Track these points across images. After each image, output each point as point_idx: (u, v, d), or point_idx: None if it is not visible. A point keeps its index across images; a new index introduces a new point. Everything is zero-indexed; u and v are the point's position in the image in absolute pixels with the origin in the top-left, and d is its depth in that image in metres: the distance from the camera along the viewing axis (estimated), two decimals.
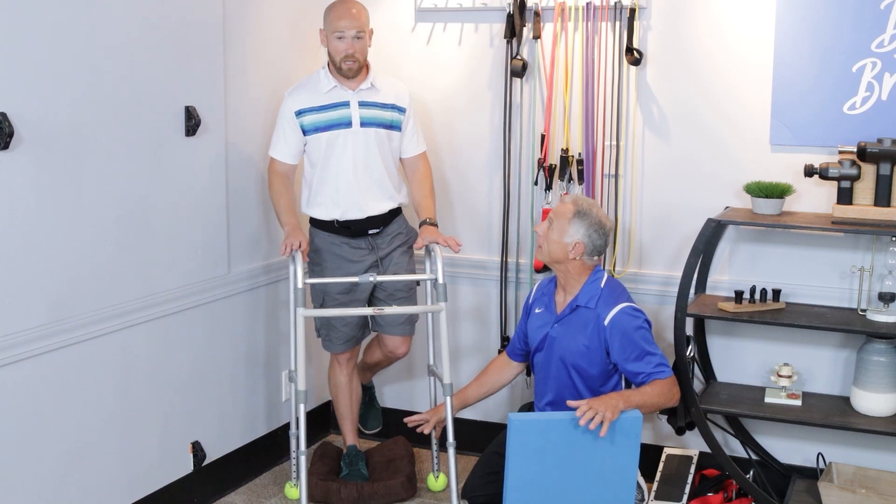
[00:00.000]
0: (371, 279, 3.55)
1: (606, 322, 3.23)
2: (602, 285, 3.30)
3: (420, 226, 3.76)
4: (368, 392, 4.24)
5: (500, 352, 4.08)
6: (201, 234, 3.63)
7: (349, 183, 3.69)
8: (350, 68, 3.62)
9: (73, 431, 3.16)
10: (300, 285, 3.44)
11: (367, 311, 3.57)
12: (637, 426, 3.06)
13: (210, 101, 3.60)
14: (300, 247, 3.56)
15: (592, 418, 2.97)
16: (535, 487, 3.05)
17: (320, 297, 3.79)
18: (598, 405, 3.00)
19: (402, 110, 3.76)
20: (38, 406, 3.02)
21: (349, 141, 3.67)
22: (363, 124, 3.68)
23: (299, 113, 3.66)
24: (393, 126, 3.75)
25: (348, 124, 3.67)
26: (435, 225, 3.75)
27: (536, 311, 3.45)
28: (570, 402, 3.06)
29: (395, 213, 3.82)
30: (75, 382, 3.15)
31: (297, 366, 3.48)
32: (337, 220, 3.72)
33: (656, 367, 3.20)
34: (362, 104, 3.68)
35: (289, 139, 3.69)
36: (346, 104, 3.67)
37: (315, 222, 3.79)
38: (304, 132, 3.68)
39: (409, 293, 3.87)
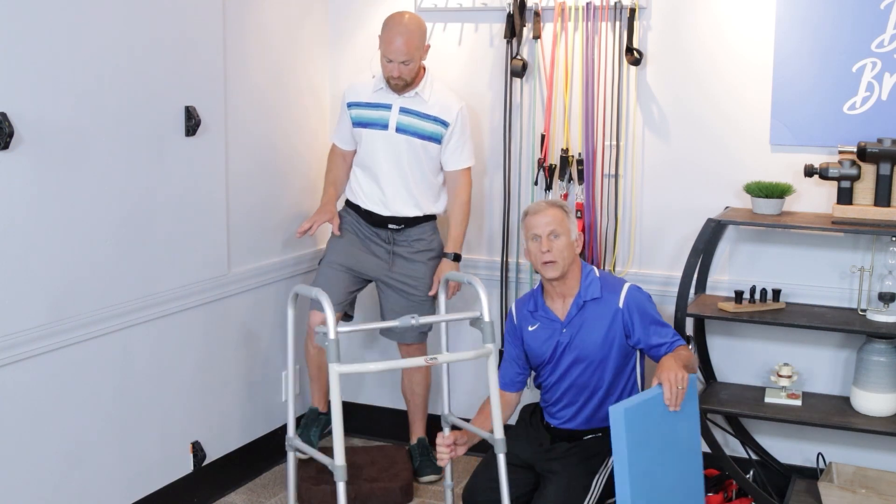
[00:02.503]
0: (413, 322, 3.09)
1: (621, 304, 3.24)
2: (598, 276, 3.32)
3: (442, 257, 3.88)
4: (421, 445, 4.08)
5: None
6: (201, 234, 3.63)
7: (377, 180, 3.82)
8: (396, 85, 3.73)
9: (73, 431, 3.16)
10: (332, 336, 2.90)
11: (419, 361, 3.06)
12: (693, 387, 3.09)
13: (210, 101, 3.60)
14: (311, 230, 3.85)
15: (677, 395, 2.99)
16: (640, 473, 2.97)
17: (325, 255, 3.92)
18: (671, 376, 2.98)
19: (445, 124, 3.78)
20: (38, 406, 3.02)
21: (382, 142, 3.78)
22: (398, 130, 3.76)
23: (350, 105, 3.85)
24: (432, 138, 3.78)
25: (384, 126, 3.77)
26: (458, 260, 3.86)
27: (530, 328, 3.36)
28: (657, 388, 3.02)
29: (423, 218, 3.86)
30: (75, 382, 3.15)
31: (335, 438, 2.92)
32: (361, 207, 3.87)
33: (674, 337, 3.24)
34: (403, 111, 3.76)
35: (343, 127, 3.90)
36: (388, 107, 3.77)
37: (347, 201, 3.96)
38: (353, 124, 3.84)
39: (423, 295, 3.88)
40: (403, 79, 3.70)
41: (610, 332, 3.25)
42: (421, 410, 4.08)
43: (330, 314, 2.88)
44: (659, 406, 2.99)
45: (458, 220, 3.86)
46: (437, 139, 3.78)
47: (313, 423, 3.97)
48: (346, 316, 3.96)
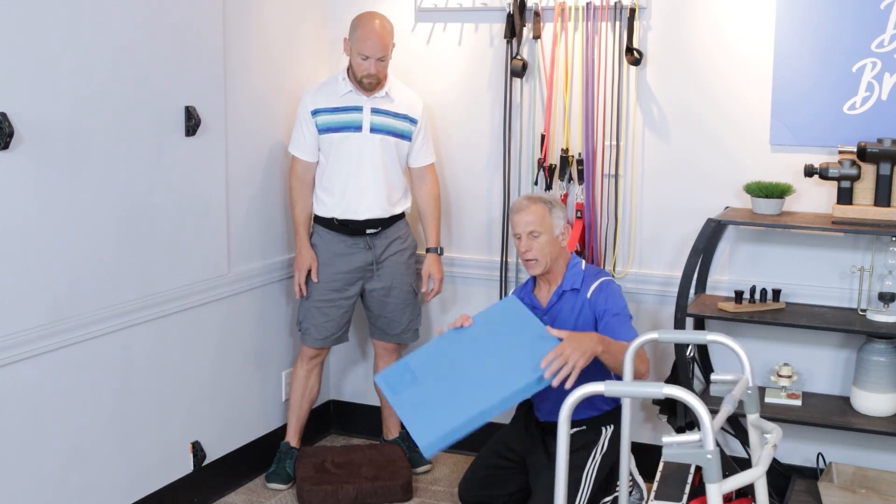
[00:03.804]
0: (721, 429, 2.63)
1: (589, 294, 3.26)
2: (583, 268, 3.35)
3: (427, 251, 3.97)
4: (406, 443, 4.16)
5: None
6: (201, 234, 3.63)
7: (350, 185, 3.79)
8: (370, 84, 3.74)
9: (73, 431, 3.16)
10: (711, 446, 2.19)
11: (764, 463, 2.41)
12: (513, 303, 3.15)
13: (210, 101, 3.60)
14: (300, 283, 3.82)
15: (559, 372, 2.85)
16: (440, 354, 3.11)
17: (308, 292, 3.89)
18: (569, 351, 2.88)
19: (414, 121, 3.85)
20: (38, 406, 3.02)
21: (357, 145, 3.77)
22: (373, 130, 3.78)
23: (315, 112, 3.78)
24: (403, 136, 3.84)
25: (358, 128, 3.77)
26: (440, 253, 3.96)
27: None
28: (550, 331, 3.00)
29: (397, 217, 3.89)
30: (75, 382, 3.15)
31: None
32: (336, 219, 3.81)
33: (630, 333, 3.15)
34: (375, 111, 3.77)
35: (306, 137, 3.82)
36: (359, 109, 3.77)
37: (317, 218, 3.90)
38: (318, 131, 3.79)
39: (406, 297, 3.94)
40: (377, 76, 3.72)
41: (578, 322, 3.27)
42: None
43: (707, 420, 2.14)
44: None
45: (436, 215, 3.98)
46: (407, 136, 3.84)
47: (287, 457, 3.98)
48: (341, 337, 3.99)
